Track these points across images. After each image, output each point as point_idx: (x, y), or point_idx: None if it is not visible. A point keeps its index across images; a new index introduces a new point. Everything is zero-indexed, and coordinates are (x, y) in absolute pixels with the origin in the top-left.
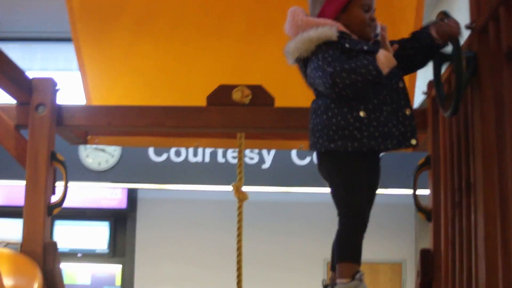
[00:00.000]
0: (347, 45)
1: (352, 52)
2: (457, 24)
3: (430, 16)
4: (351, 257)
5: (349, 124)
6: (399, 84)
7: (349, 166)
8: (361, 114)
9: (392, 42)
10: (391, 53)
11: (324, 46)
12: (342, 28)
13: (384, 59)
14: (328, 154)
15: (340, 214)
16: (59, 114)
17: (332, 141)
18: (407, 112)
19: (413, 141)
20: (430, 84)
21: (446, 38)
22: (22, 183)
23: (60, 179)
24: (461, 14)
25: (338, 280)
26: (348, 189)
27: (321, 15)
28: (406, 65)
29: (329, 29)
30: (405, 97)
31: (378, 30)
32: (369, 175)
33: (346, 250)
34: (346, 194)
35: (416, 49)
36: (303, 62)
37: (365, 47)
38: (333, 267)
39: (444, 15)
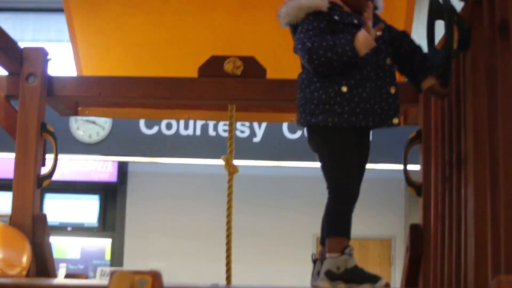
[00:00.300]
0: (336, 17)
1: (339, 25)
2: None
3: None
4: (341, 231)
5: (330, 99)
6: (386, 61)
7: (335, 140)
8: (343, 89)
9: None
10: (373, 34)
11: (311, 16)
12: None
13: (363, 39)
14: (314, 128)
15: (329, 187)
16: (50, 85)
17: (313, 115)
18: (392, 90)
19: (395, 121)
20: None
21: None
22: (13, 155)
23: (50, 151)
24: None
25: (327, 255)
26: (336, 163)
27: None
28: (401, 60)
29: (315, 1)
30: (391, 74)
31: (380, 3)
32: (358, 149)
33: (336, 224)
34: (334, 167)
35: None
36: (293, 28)
37: (355, 21)
38: (322, 242)
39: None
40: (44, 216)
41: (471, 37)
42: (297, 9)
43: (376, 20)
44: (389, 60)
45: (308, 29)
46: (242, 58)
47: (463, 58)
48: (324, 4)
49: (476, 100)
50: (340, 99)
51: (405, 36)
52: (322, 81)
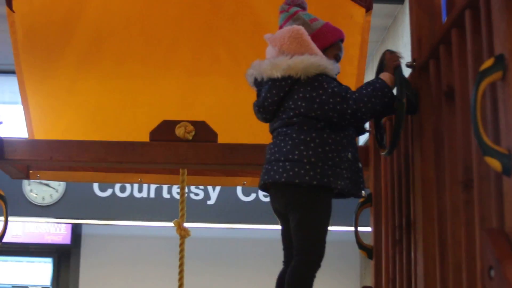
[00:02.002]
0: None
1: None
2: (395, 55)
3: (376, 54)
4: None
5: (341, 163)
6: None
7: (327, 204)
8: (349, 156)
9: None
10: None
11: (324, 76)
12: None
13: (389, 80)
14: (310, 189)
15: (302, 251)
16: (1, 148)
17: (325, 175)
18: (360, 165)
19: (363, 193)
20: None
21: (392, 71)
22: None
23: (1, 214)
24: (407, 51)
25: None
26: (320, 227)
27: None
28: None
29: (332, 65)
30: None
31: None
32: None
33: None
34: (316, 231)
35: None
36: (290, 83)
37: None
38: None
39: (389, 52)
40: None
41: (419, 103)
42: (314, 67)
43: None
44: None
45: (337, 85)
46: (193, 123)
47: (411, 122)
48: (334, 70)
49: (424, 164)
50: (347, 165)
51: None
52: (336, 144)
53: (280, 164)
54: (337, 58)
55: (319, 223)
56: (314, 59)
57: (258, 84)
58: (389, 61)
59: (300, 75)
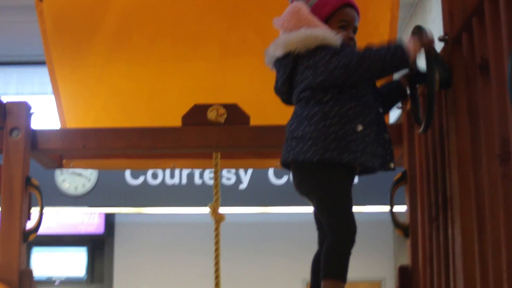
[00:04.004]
0: None
1: None
2: (429, 36)
3: (404, 30)
4: (339, 275)
5: (346, 135)
6: (379, 109)
7: (340, 179)
8: (359, 127)
9: None
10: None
11: (324, 47)
12: None
13: (413, 44)
14: (317, 165)
15: (331, 231)
16: (34, 138)
17: (328, 150)
18: (387, 136)
19: (392, 165)
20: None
21: (418, 50)
22: None
23: (36, 205)
24: (435, 27)
25: None
26: (341, 204)
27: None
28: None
29: (334, 35)
30: (384, 121)
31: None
32: None
33: (334, 267)
34: (339, 209)
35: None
36: (292, 59)
37: None
38: (314, 285)
39: (418, 29)
40: (30, 271)
41: (452, 77)
42: (312, 39)
43: None
44: (381, 109)
45: (341, 49)
46: (225, 106)
47: (445, 97)
48: (337, 41)
49: (460, 139)
50: (355, 137)
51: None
52: (339, 116)
53: (288, 142)
54: (343, 25)
55: (337, 200)
56: (311, 31)
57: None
58: (419, 41)
59: (299, 49)
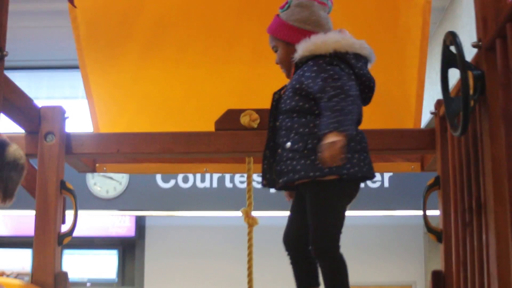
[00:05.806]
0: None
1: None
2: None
3: (434, 35)
4: None
5: (366, 149)
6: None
7: (349, 196)
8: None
9: None
10: None
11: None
12: None
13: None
14: (338, 181)
15: (325, 247)
16: (68, 143)
17: (365, 164)
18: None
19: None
20: (438, 103)
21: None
22: (31, 213)
23: (69, 208)
24: (465, 32)
25: None
26: (341, 221)
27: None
28: None
29: (301, 45)
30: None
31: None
32: None
33: None
34: (338, 225)
35: None
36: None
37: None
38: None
39: (452, 35)
40: (65, 274)
41: (486, 83)
42: (333, 43)
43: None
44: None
45: (348, 78)
46: (258, 111)
47: (479, 102)
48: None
49: (494, 144)
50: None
51: None
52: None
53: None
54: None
55: (340, 216)
56: (322, 37)
57: None
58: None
59: (318, 52)
